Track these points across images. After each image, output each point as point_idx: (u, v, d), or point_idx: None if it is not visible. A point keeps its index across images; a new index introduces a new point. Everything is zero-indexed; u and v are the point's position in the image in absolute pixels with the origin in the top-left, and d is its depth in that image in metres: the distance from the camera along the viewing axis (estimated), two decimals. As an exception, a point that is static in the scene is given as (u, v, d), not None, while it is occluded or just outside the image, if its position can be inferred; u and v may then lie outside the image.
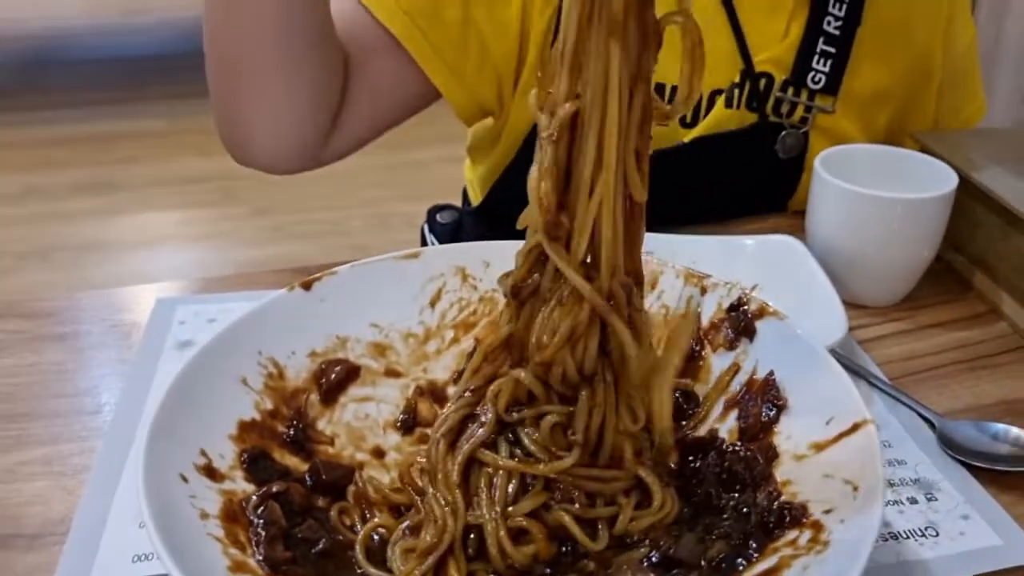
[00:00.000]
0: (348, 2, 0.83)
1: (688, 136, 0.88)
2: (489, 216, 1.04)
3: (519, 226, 0.49)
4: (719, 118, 0.87)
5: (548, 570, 0.47)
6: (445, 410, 0.53)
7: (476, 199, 1.06)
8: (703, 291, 0.61)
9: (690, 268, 0.62)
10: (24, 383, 0.71)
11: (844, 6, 0.87)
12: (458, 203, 1.16)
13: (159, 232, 2.34)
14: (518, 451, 0.49)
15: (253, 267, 2.16)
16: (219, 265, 2.20)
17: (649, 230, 0.57)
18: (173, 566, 0.39)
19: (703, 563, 0.47)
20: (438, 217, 1.13)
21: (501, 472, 0.48)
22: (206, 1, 0.74)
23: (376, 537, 0.50)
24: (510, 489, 0.48)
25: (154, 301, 0.80)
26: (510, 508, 0.48)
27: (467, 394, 0.51)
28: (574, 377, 0.49)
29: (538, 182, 0.47)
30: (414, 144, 2.70)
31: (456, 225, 1.10)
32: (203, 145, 2.65)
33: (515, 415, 0.50)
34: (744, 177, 0.92)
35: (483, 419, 0.50)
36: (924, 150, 0.84)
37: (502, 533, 0.47)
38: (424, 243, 1.12)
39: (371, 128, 0.86)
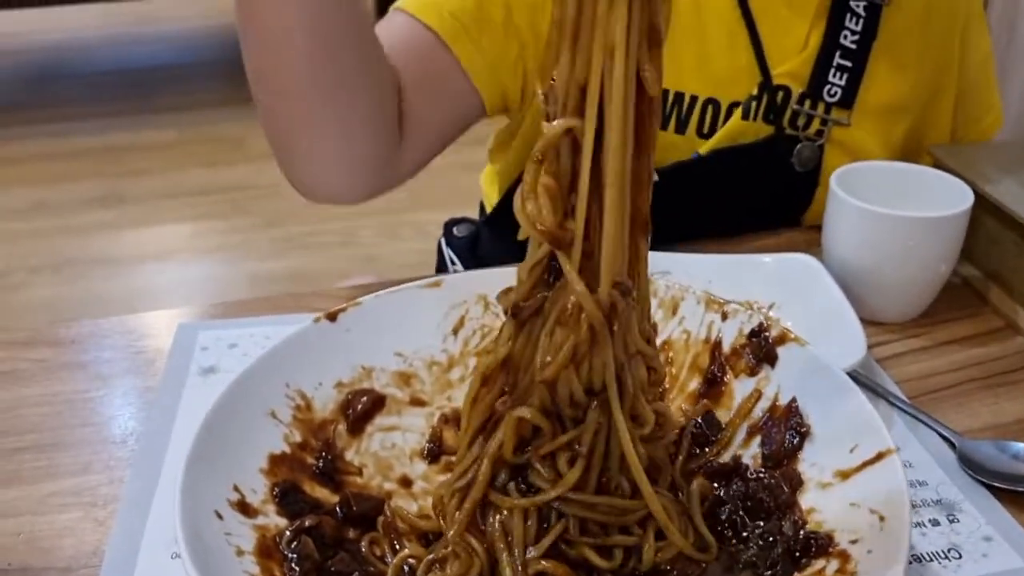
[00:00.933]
0: (395, 16, 0.83)
1: (704, 147, 0.89)
2: (502, 225, 1.04)
3: (520, 237, 0.48)
4: (735, 130, 0.88)
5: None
6: (457, 461, 0.52)
7: (496, 196, 1.06)
8: (724, 317, 0.61)
9: (711, 294, 0.62)
10: (51, 412, 0.71)
11: (861, 20, 0.87)
12: (470, 211, 1.17)
13: (170, 245, 2.35)
14: (531, 494, 0.49)
15: (265, 279, 2.16)
16: (231, 278, 2.21)
17: (666, 245, 0.58)
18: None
19: (731, 593, 0.48)
20: (455, 231, 1.13)
21: (516, 513, 0.48)
22: (242, 44, 0.73)
23: (407, 568, 0.51)
24: (527, 529, 0.48)
25: (175, 327, 0.81)
26: (529, 552, 0.47)
27: (474, 446, 0.51)
28: (582, 398, 0.48)
29: (522, 201, 0.45)
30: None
31: (473, 238, 1.10)
32: (212, 156, 2.67)
33: (524, 455, 0.49)
34: (760, 189, 0.93)
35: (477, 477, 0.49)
36: (938, 165, 0.84)
37: None
38: (441, 257, 1.13)
39: (437, 139, 0.85)
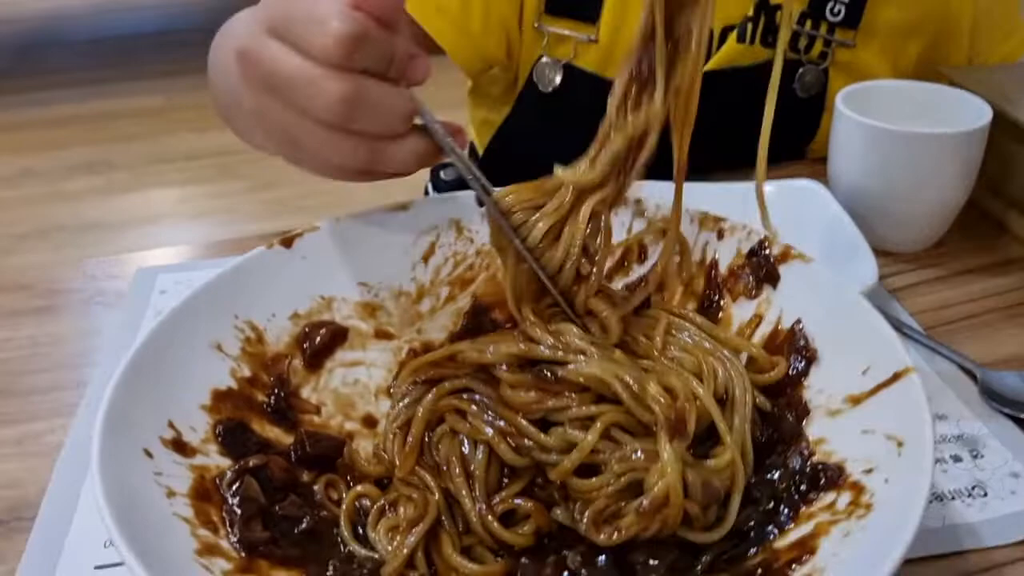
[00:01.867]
0: None
1: None
2: (495, 163, 0.99)
3: None
4: (731, 54, 0.82)
5: (554, 543, 0.43)
6: (395, 400, 0.48)
7: (480, 144, 1.02)
8: (720, 235, 0.55)
9: (705, 212, 0.56)
10: (-2, 359, 0.66)
11: None
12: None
13: (159, 209, 2.30)
14: (501, 422, 0.44)
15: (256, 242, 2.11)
16: (222, 241, 2.16)
17: (660, 177, 0.54)
18: (128, 551, 0.34)
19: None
20: (441, 174, 1.08)
21: (479, 446, 0.43)
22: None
23: (361, 512, 0.45)
24: (490, 472, 0.43)
25: (135, 271, 0.76)
26: (496, 498, 0.43)
27: (413, 386, 0.47)
28: None
29: None
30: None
31: (461, 180, 1.05)
32: (200, 121, 2.60)
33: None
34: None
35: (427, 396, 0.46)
36: (953, 85, 0.78)
37: (492, 522, 0.42)
38: None
39: None
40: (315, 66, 0.44)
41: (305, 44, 0.44)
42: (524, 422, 0.43)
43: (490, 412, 0.44)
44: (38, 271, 0.79)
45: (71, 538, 0.50)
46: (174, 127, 2.62)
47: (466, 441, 0.43)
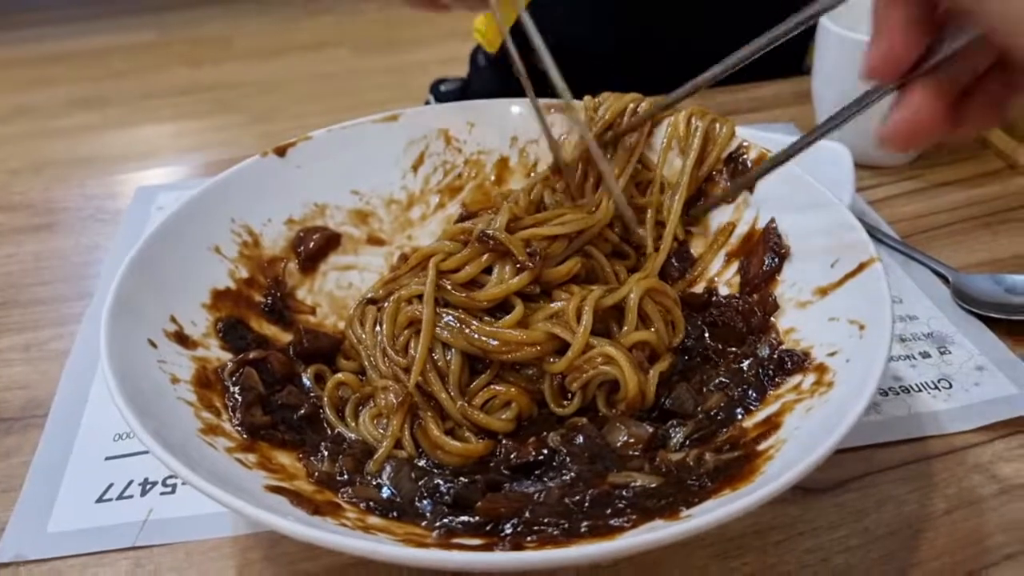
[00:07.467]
0: None
1: None
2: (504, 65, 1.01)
3: None
4: None
5: (535, 428, 0.45)
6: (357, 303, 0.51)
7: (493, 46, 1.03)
8: (700, 142, 0.57)
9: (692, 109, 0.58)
10: (2, 273, 0.68)
11: None
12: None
13: (154, 144, 2.29)
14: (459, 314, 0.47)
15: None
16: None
17: (645, 90, 0.55)
18: (136, 423, 0.37)
19: (700, 414, 0.45)
20: (442, 87, 1.10)
21: (451, 353, 0.46)
22: None
23: (344, 399, 0.48)
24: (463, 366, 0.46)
25: (134, 189, 0.78)
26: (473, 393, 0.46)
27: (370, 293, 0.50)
28: None
29: None
30: (413, 45, 2.63)
31: (462, 88, 1.06)
32: (193, 55, 2.59)
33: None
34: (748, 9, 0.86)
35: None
36: None
37: (473, 412, 0.45)
38: None
39: None
40: None
41: None
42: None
43: (451, 314, 0.47)
44: (39, 193, 0.81)
45: (82, 432, 0.53)
46: (167, 62, 2.60)
47: (437, 346, 0.46)
